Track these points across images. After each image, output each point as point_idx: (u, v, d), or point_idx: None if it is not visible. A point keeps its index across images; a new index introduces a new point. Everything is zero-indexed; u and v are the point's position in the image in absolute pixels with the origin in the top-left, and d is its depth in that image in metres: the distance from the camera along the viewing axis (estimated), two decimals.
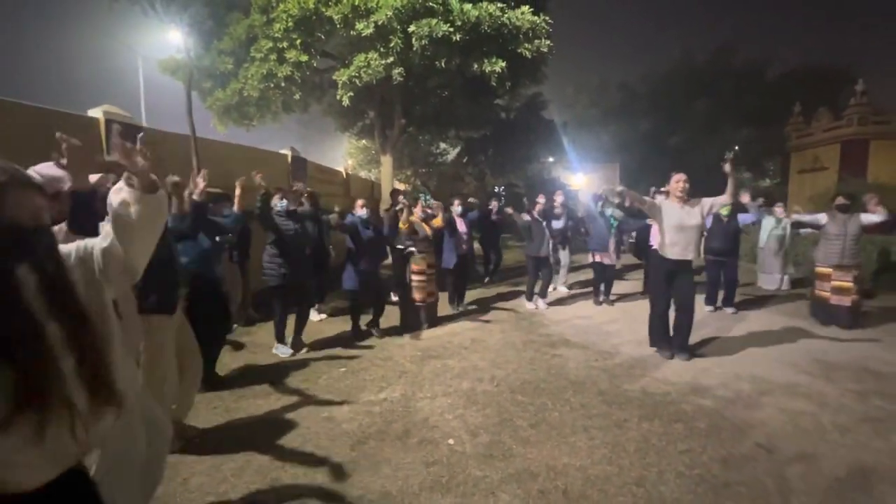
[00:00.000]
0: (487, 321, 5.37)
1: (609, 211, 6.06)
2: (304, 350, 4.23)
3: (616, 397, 3.24)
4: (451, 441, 2.66)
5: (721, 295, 5.76)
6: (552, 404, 3.14)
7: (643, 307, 5.65)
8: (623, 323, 5.20)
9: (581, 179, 21.64)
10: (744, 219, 5.94)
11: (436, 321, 5.18)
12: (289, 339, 4.20)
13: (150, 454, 1.51)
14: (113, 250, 1.07)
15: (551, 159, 19.96)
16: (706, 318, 5.33)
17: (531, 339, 4.66)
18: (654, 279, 4.16)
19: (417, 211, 5.18)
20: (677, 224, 3.88)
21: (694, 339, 4.28)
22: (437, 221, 5.25)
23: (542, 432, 2.76)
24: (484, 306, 6.08)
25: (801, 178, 16.91)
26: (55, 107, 4.09)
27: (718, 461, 2.45)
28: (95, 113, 4.24)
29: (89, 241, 1.09)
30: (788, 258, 7.18)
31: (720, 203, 4.00)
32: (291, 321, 4.26)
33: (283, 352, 4.11)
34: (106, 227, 1.10)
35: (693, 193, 4.05)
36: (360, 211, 4.64)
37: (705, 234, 6.31)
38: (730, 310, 5.66)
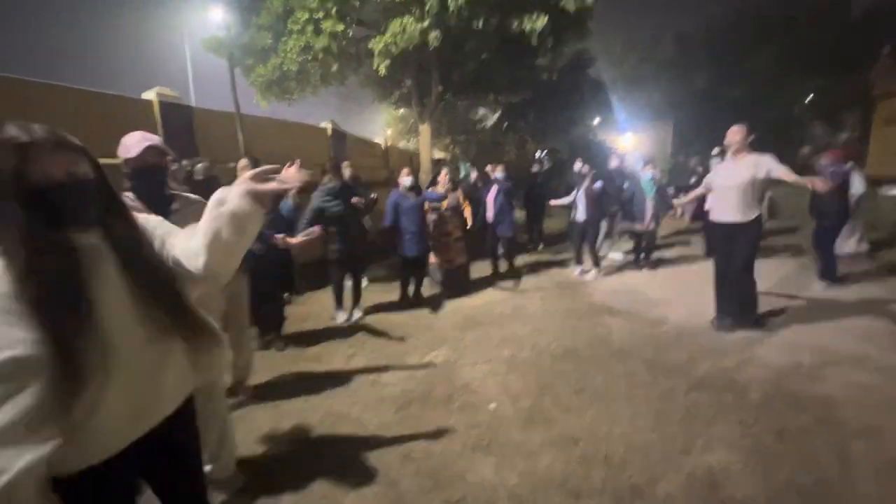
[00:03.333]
0: (529, 290, 5.34)
1: (649, 175, 5.78)
2: (361, 315, 4.49)
3: (662, 367, 3.16)
4: (492, 406, 2.72)
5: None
6: (594, 372, 3.11)
7: (695, 274, 5.41)
8: (672, 291, 4.99)
9: (630, 140, 20.46)
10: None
11: (464, 287, 5.25)
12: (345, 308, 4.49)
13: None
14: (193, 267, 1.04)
15: (597, 120, 18.98)
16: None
17: (574, 307, 4.59)
18: (709, 245, 3.92)
19: (442, 179, 5.15)
20: (722, 184, 3.63)
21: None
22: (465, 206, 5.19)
23: (583, 400, 2.76)
24: (526, 275, 6.03)
25: (888, 131, 15.08)
26: (109, 91, 4.34)
27: (772, 433, 2.35)
28: (149, 95, 4.47)
29: (168, 237, 1.11)
30: (863, 220, 6.52)
31: (776, 174, 3.44)
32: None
33: (340, 317, 4.39)
34: (194, 240, 1.03)
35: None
36: (406, 179, 4.67)
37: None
38: (820, 285, 4.86)
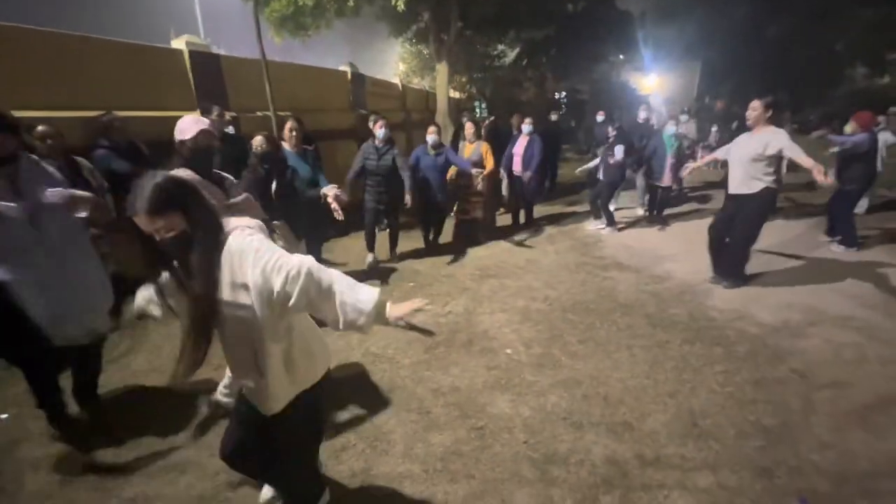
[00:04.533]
0: (543, 242, 5.62)
1: (671, 130, 5.75)
2: (397, 259, 4.98)
3: (661, 320, 3.51)
4: (508, 351, 3.13)
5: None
6: (600, 324, 3.48)
7: (706, 231, 5.60)
8: (679, 248, 5.23)
9: (653, 81, 19.46)
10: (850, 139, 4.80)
11: (474, 240, 5.58)
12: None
13: None
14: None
15: (622, 57, 17.98)
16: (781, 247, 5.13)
17: (584, 261, 4.89)
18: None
19: (468, 133, 5.26)
20: (735, 156, 3.77)
21: (757, 267, 4.27)
22: (489, 165, 5.23)
23: (588, 348, 3.15)
24: (539, 226, 6.27)
25: None
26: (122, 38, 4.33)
27: (751, 382, 2.72)
28: (179, 45, 4.52)
29: (266, 263, 1.22)
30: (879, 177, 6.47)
31: (788, 154, 3.50)
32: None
33: (370, 261, 4.84)
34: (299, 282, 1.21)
35: (792, 98, 3.64)
36: (431, 137, 4.83)
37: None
38: (838, 247, 4.95)
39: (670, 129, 5.82)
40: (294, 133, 3.66)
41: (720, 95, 18.05)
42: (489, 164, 5.17)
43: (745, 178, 3.72)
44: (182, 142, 2.14)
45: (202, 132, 2.13)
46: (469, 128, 5.26)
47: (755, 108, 3.63)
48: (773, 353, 3.03)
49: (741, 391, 2.64)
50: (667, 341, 3.20)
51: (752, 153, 3.62)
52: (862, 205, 6.21)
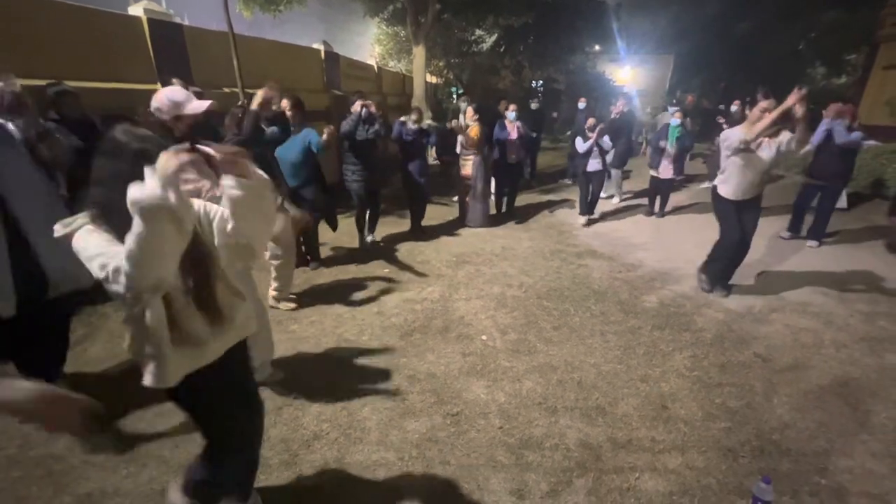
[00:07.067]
0: (519, 230, 5.63)
1: (675, 121, 5.74)
2: (380, 243, 4.96)
3: (633, 307, 3.58)
4: (483, 337, 3.12)
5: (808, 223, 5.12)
6: (574, 310, 3.52)
7: (680, 223, 5.74)
8: (652, 237, 5.35)
9: (628, 73, 19.70)
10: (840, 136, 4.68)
11: (462, 220, 5.72)
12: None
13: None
14: (224, 220, 1.30)
15: (598, 48, 18.08)
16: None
17: (559, 248, 4.93)
18: (723, 214, 3.68)
19: (469, 115, 5.26)
20: (748, 160, 3.35)
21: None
22: (474, 132, 5.20)
23: (563, 334, 3.18)
24: (515, 214, 6.27)
25: (886, 75, 14.82)
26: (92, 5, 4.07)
27: (717, 366, 2.81)
28: (136, 11, 4.21)
29: (213, 207, 1.34)
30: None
31: (788, 145, 3.30)
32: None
33: (369, 240, 4.89)
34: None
35: (755, 91, 3.43)
36: (413, 123, 4.78)
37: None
38: (812, 242, 5.01)
39: (675, 120, 5.75)
40: (291, 111, 3.64)
41: (691, 89, 18.47)
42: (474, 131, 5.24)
43: (757, 184, 3.48)
44: (179, 118, 2.00)
45: (208, 111, 2.05)
46: (469, 112, 5.24)
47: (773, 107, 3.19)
48: (737, 337, 3.14)
49: (708, 375, 2.72)
50: (638, 327, 3.27)
51: (772, 155, 3.36)
52: (842, 202, 6.39)
